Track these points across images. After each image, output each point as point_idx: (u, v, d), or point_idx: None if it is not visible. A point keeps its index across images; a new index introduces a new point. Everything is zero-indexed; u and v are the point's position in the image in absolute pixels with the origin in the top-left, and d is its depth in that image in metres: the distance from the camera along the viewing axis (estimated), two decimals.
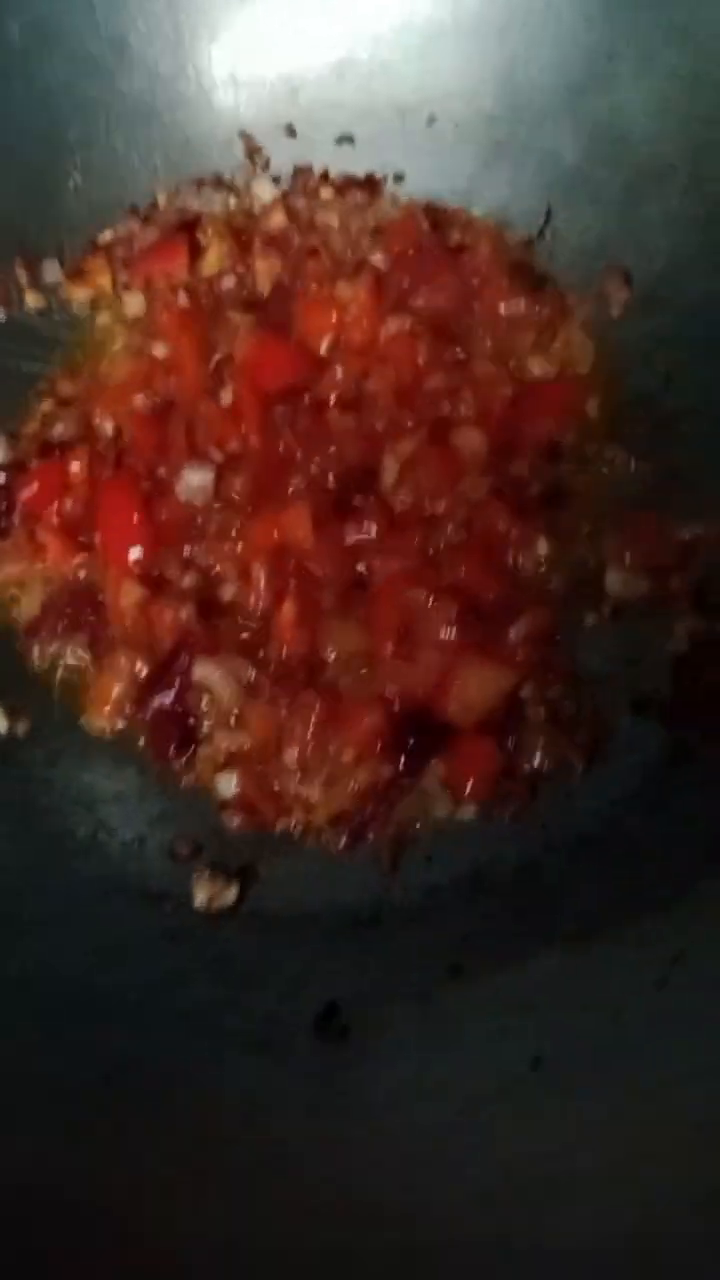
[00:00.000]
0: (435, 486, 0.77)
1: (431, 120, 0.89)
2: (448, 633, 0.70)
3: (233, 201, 0.90)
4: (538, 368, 0.82)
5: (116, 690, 0.74)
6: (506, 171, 0.87)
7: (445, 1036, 0.57)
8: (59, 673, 0.76)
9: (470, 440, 0.77)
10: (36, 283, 0.88)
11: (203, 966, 0.62)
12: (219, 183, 0.91)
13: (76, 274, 0.88)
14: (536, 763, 0.67)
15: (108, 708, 0.74)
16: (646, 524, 0.75)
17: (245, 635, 0.75)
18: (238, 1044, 0.57)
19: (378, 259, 0.86)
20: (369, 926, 0.63)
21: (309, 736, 0.69)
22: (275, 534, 0.76)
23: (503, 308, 0.83)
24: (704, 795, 0.62)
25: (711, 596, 0.72)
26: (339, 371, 0.82)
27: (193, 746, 0.72)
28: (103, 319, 0.88)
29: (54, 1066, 0.53)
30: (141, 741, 0.73)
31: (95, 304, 0.88)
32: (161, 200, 0.90)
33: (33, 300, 0.88)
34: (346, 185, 0.90)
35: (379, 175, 0.90)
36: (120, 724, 0.74)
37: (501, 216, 0.88)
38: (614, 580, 0.72)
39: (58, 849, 0.67)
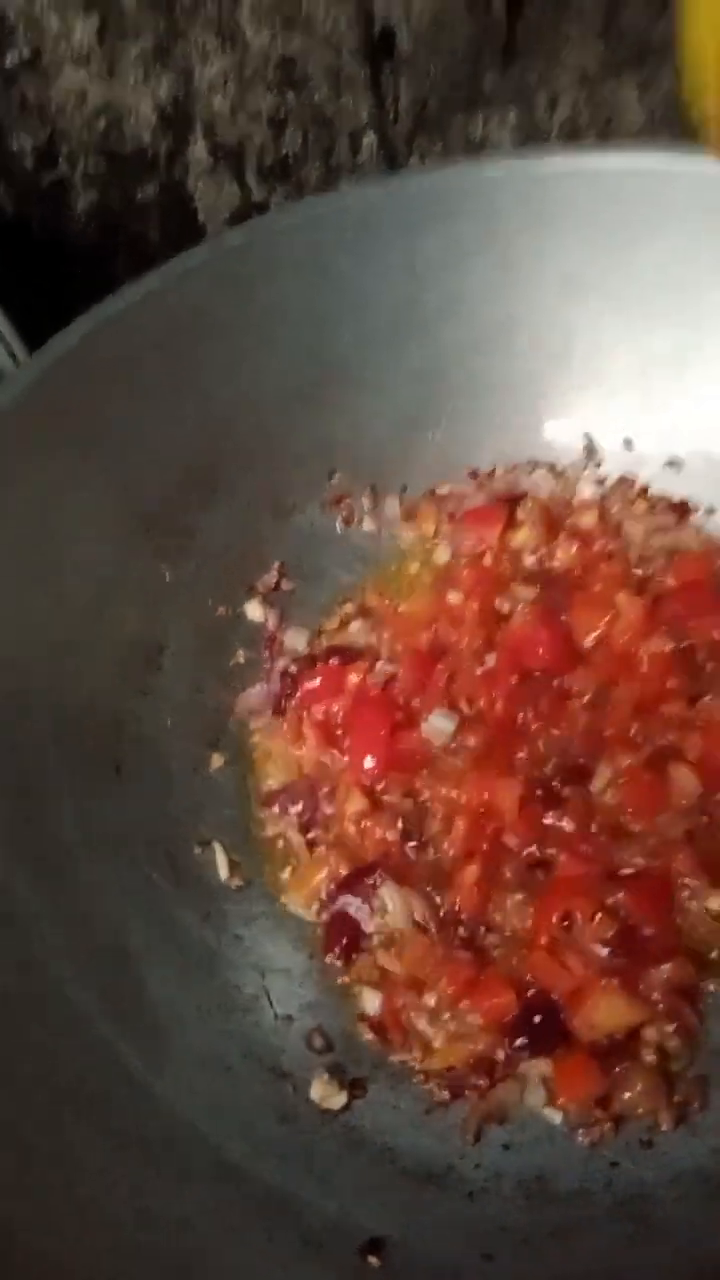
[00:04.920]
0: (636, 808, 0.85)
1: None
2: (599, 950, 0.78)
3: (558, 489, 1.04)
4: None
5: (317, 881, 0.88)
6: None
7: None
8: (278, 846, 0.91)
9: (683, 780, 0.84)
10: (376, 512, 1.06)
11: (294, 1152, 0.73)
12: (552, 469, 1.05)
13: (410, 514, 1.05)
14: (628, 1101, 0.73)
15: (305, 893, 0.87)
16: None
17: (432, 872, 0.87)
18: (295, 1233, 0.68)
19: (665, 581, 0.96)
20: (433, 1184, 0.71)
21: (449, 990, 0.79)
22: (486, 796, 0.87)
23: None
24: None
25: None
26: (592, 669, 0.92)
27: (355, 954, 0.84)
28: (415, 558, 1.04)
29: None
30: (319, 932, 0.86)
31: (415, 542, 1.05)
32: (498, 471, 1.05)
33: (368, 524, 1.05)
34: (660, 505, 1.01)
35: (693, 505, 1.01)
36: (311, 911, 0.87)
37: None
38: None
39: (224, 999, 0.81)
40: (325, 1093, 0.76)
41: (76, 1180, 0.66)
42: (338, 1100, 0.76)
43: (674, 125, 1.25)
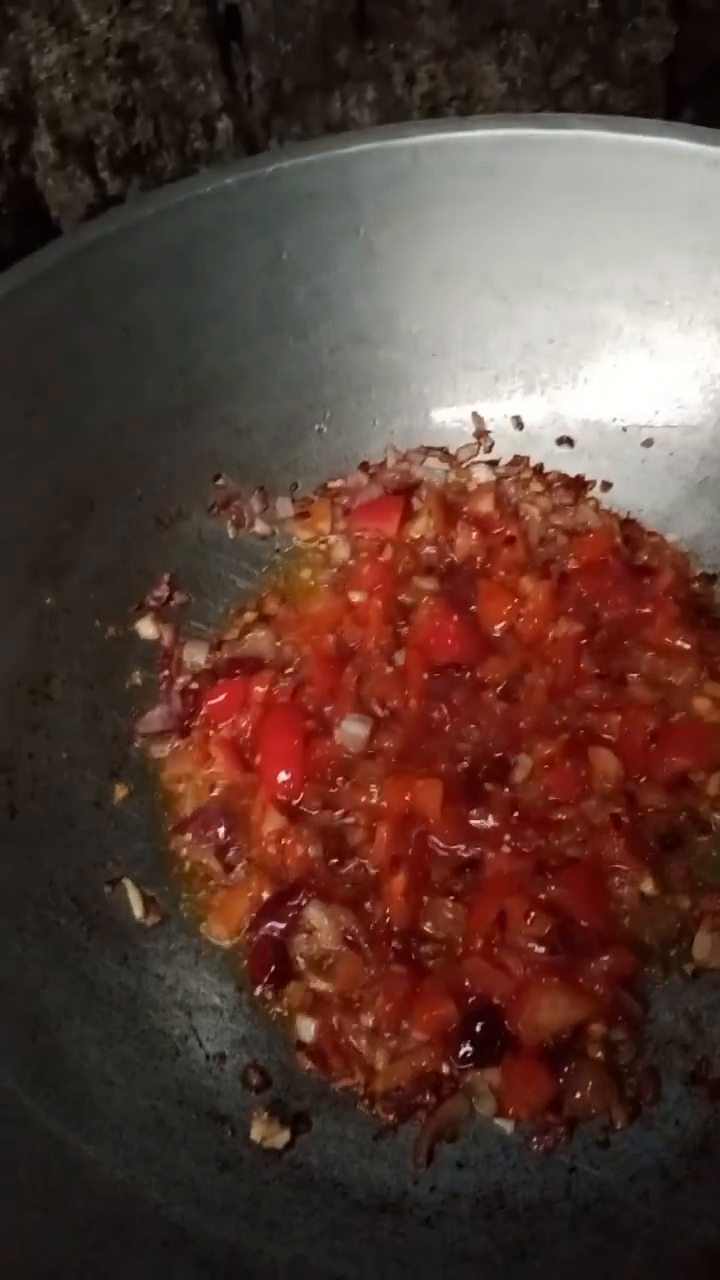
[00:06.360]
0: (561, 796, 0.82)
1: (649, 443, 0.97)
2: (536, 949, 0.76)
3: (451, 475, 1.01)
4: (697, 705, 0.86)
5: (239, 908, 0.83)
6: (708, 508, 0.94)
7: None
8: (196, 876, 0.85)
9: (604, 762, 0.82)
10: (268, 514, 1.01)
11: (239, 1201, 0.68)
12: (444, 455, 1.02)
13: (303, 514, 1.01)
14: (579, 1102, 0.71)
15: (228, 923, 0.82)
16: None
17: (359, 886, 0.83)
18: None
19: (568, 562, 0.94)
20: (388, 1214, 0.68)
21: (387, 1008, 0.76)
22: (407, 799, 0.84)
23: (668, 639, 0.89)
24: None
25: None
26: (503, 658, 0.90)
27: (286, 980, 0.79)
28: (313, 557, 1.00)
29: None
30: (245, 962, 0.81)
31: (311, 542, 1.01)
32: (390, 460, 1.02)
33: (260, 527, 1.01)
34: (556, 483, 0.99)
35: (588, 479, 0.99)
36: (235, 939, 0.82)
37: (692, 547, 0.94)
38: (702, 944, 0.75)
39: (151, 1046, 0.76)
40: (267, 1132, 0.72)
41: (21, 1266, 0.61)
42: (280, 1138, 0.72)
43: (534, 95, 1.24)
